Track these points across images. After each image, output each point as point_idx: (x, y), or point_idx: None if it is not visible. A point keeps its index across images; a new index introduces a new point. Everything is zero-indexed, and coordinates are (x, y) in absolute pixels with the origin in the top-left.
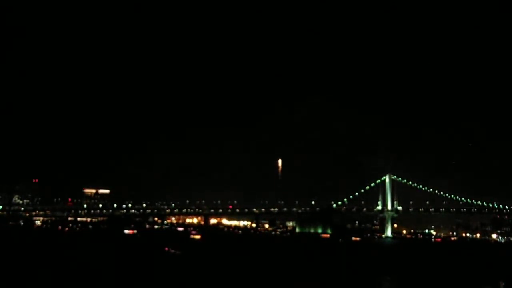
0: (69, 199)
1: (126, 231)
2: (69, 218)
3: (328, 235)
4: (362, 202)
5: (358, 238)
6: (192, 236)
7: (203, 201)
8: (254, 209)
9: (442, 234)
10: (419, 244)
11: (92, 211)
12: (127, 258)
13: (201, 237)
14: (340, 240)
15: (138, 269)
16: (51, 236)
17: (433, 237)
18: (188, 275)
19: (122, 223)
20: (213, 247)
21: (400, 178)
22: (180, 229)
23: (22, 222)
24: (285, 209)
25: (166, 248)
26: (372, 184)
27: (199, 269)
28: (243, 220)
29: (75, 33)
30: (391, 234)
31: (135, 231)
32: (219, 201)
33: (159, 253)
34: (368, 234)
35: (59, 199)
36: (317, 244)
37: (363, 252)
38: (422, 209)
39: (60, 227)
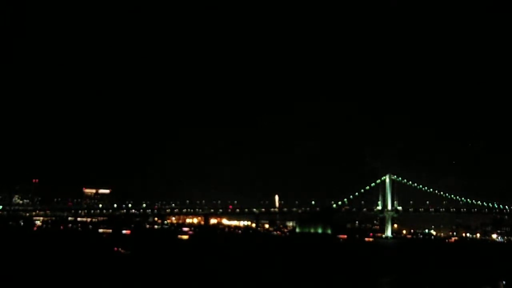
0: (69, 199)
1: (101, 230)
2: (69, 218)
3: (346, 236)
4: (362, 202)
5: (371, 239)
6: (179, 236)
7: (203, 201)
8: (254, 209)
9: (442, 234)
10: (434, 244)
11: (92, 211)
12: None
13: (189, 237)
14: (341, 240)
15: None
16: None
17: (436, 237)
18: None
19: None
20: (187, 248)
21: (400, 178)
22: (186, 229)
23: (22, 222)
24: (285, 209)
25: (116, 248)
26: (372, 184)
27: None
28: (243, 220)
29: (75, 33)
30: (391, 234)
31: (110, 230)
32: (219, 201)
33: (108, 254)
34: (370, 234)
35: (59, 199)
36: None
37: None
38: (422, 209)
39: (34, 227)
